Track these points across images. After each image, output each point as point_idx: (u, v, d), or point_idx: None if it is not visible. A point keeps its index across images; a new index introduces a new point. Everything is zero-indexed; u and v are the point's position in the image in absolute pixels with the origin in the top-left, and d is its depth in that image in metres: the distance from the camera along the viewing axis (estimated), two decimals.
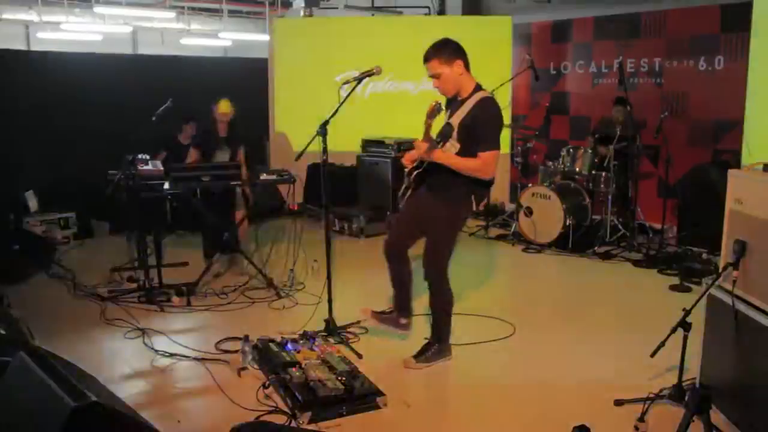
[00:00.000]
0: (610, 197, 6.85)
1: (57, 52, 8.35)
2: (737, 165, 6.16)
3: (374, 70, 4.21)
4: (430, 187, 3.96)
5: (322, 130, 4.16)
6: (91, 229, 7.52)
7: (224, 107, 5.93)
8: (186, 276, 5.61)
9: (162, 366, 4.03)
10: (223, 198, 5.85)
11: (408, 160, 4.02)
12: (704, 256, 6.18)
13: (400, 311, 4.33)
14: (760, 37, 6.00)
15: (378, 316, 4.40)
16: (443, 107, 3.90)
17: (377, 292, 5.55)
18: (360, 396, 3.46)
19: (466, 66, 3.81)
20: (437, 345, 4.10)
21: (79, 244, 7.13)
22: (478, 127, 3.72)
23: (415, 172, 3.97)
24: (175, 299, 5.21)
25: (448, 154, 3.79)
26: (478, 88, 3.84)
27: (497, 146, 3.75)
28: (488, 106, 3.75)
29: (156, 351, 4.22)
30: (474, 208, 3.96)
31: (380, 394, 3.51)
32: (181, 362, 4.07)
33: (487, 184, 3.91)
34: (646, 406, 3.30)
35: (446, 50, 3.79)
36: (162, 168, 5.46)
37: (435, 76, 3.83)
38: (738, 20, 6.73)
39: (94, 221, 7.60)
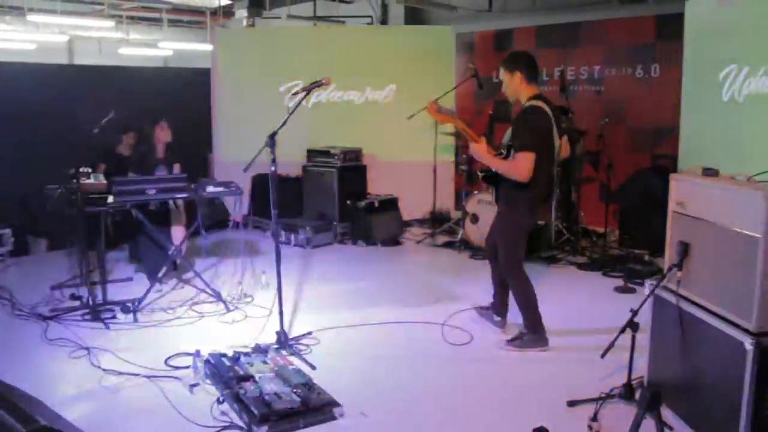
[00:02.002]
0: (554, 203, 6.99)
1: None
2: (675, 169, 6.38)
3: (323, 81, 4.22)
4: (500, 196, 4.40)
5: (271, 141, 4.14)
6: (27, 245, 7.26)
7: (164, 131, 5.86)
8: (132, 292, 5.47)
9: (110, 385, 3.90)
10: (161, 212, 5.73)
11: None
12: (646, 257, 6.36)
13: (495, 309, 4.79)
14: (692, 45, 6.25)
15: (479, 309, 4.96)
16: (439, 104, 4.37)
17: (326, 303, 5.53)
18: (316, 408, 3.44)
19: (527, 78, 4.22)
20: (530, 335, 4.42)
21: (15, 262, 6.87)
22: (515, 132, 4.16)
23: (482, 175, 4.46)
24: (121, 316, 5.07)
25: (489, 156, 4.24)
26: (533, 98, 4.20)
27: (530, 149, 4.05)
28: (525, 113, 4.16)
29: (103, 370, 4.08)
30: (531, 211, 4.31)
31: (336, 405, 3.50)
32: (131, 381, 3.95)
33: (541, 188, 4.23)
34: (599, 405, 3.38)
35: (511, 61, 4.26)
36: (105, 181, 5.32)
37: (502, 80, 4.33)
38: (672, 30, 6.99)
39: (31, 237, 7.33)
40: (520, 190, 4.17)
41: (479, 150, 4.25)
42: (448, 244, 7.53)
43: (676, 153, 6.61)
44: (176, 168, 5.98)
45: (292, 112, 4.11)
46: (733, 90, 5.59)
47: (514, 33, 8.73)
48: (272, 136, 4.13)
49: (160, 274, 5.43)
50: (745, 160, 5.24)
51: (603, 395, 3.51)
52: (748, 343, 2.71)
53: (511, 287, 4.48)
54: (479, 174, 4.55)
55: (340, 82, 8.53)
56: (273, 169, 4.24)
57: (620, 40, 7.67)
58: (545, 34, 8.37)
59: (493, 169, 4.29)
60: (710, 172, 3.21)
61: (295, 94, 4.23)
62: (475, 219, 7.11)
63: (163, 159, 5.87)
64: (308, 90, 4.22)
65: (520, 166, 4.04)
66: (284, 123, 4.13)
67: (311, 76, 4.28)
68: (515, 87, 4.26)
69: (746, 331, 2.77)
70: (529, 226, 4.45)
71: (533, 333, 4.41)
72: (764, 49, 5.17)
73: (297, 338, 4.56)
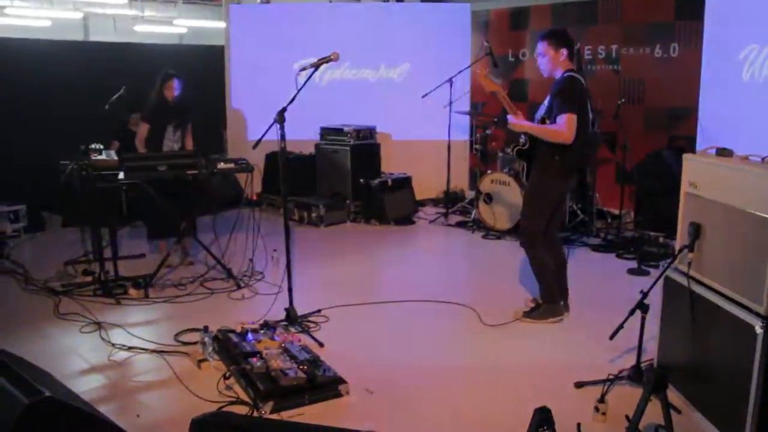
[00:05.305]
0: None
1: (2, 38, 8.06)
2: (692, 151, 6.27)
3: (331, 56, 4.19)
4: (533, 165, 4.40)
5: (280, 118, 4.12)
6: (42, 221, 7.32)
7: (174, 87, 5.77)
8: (143, 268, 5.51)
9: (120, 360, 3.94)
10: (179, 186, 5.72)
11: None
12: (661, 239, 6.29)
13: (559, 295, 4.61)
14: (713, 24, 6.12)
15: (531, 313, 4.58)
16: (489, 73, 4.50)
17: (336, 281, 5.53)
18: (322, 384, 3.44)
19: (569, 56, 4.26)
20: (544, 305, 4.50)
21: (30, 238, 6.93)
22: (555, 99, 4.16)
23: (516, 149, 4.48)
24: (132, 291, 5.10)
25: (530, 124, 4.28)
26: (567, 71, 4.23)
27: (572, 111, 4.06)
28: (562, 80, 4.20)
29: (113, 345, 4.12)
30: (564, 177, 4.30)
31: (342, 381, 3.50)
32: (140, 355, 3.99)
33: (578, 154, 4.24)
34: (606, 387, 3.35)
35: (558, 38, 4.27)
36: (116, 158, 5.32)
37: (542, 55, 4.31)
38: (692, 8, 6.83)
39: (46, 214, 7.39)
40: (557, 155, 4.17)
41: (518, 120, 4.30)
42: (461, 224, 7.49)
43: (694, 134, 6.50)
44: (188, 127, 5.96)
45: (300, 89, 4.08)
46: (753, 70, 5.47)
47: (530, 11, 8.60)
48: (281, 113, 4.11)
49: (166, 246, 5.45)
50: (765, 141, 5.14)
51: (611, 377, 3.48)
52: (758, 327, 2.66)
53: (529, 258, 4.47)
54: (510, 151, 4.55)
55: (354, 59, 8.48)
56: (282, 146, 4.23)
57: (638, 18, 7.52)
58: (562, 11, 8.22)
59: (536, 135, 4.26)
60: (724, 153, 3.15)
61: (303, 69, 4.18)
62: (488, 199, 7.06)
63: (173, 109, 5.79)
64: (316, 66, 4.19)
65: (565, 127, 4.05)
66: (292, 100, 4.10)
67: (326, 53, 4.23)
68: (557, 63, 4.26)
69: (756, 314, 2.72)
70: (558, 195, 4.40)
71: (547, 303, 4.48)
72: None
73: (306, 315, 4.57)
